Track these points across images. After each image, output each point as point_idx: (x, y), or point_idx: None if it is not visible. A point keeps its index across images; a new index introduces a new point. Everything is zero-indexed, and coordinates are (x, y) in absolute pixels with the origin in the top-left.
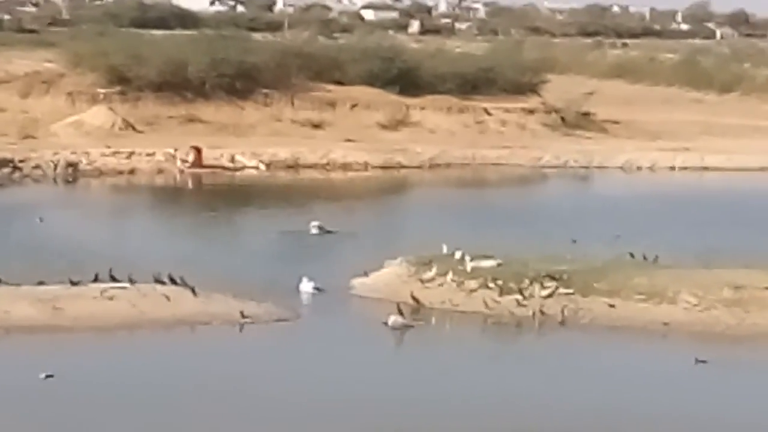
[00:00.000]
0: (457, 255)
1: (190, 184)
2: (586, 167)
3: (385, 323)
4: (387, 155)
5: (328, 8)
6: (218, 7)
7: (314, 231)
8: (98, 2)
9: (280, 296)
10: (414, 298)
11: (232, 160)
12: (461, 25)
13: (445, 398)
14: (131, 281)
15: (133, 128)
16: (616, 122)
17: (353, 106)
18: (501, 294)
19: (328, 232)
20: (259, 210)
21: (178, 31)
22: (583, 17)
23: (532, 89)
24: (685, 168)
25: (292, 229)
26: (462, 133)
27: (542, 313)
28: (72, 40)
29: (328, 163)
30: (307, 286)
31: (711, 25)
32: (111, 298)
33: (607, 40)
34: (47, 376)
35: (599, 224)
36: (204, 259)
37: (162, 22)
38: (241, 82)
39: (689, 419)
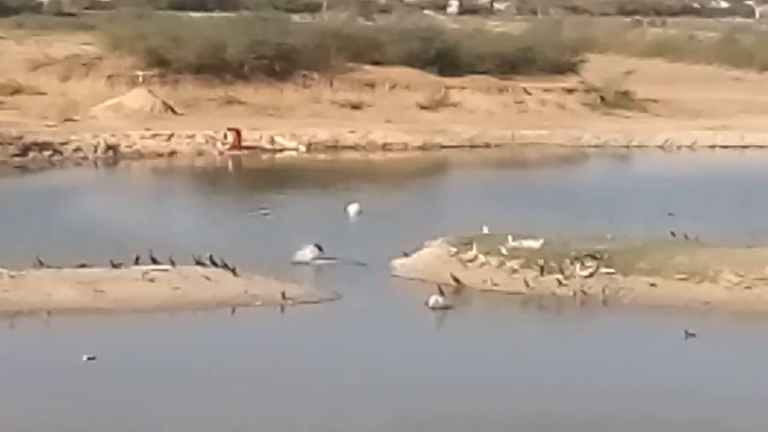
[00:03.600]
0: (498, 235)
1: (230, 166)
2: (626, 146)
3: (426, 304)
4: (426, 136)
5: None
6: None
7: (352, 212)
8: None
9: (320, 277)
10: (455, 279)
11: (272, 141)
12: (500, 5)
13: (487, 380)
14: (172, 263)
15: (173, 110)
16: (655, 101)
17: (392, 87)
18: (542, 274)
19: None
20: (299, 191)
21: (216, 13)
22: None
23: (571, 69)
24: (726, 146)
25: (331, 210)
26: (501, 113)
27: (583, 292)
28: (111, 23)
29: (367, 144)
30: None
31: (750, 2)
32: (152, 280)
33: (646, 19)
34: (89, 359)
35: (639, 204)
36: (244, 240)
37: (200, 4)
38: (280, 64)
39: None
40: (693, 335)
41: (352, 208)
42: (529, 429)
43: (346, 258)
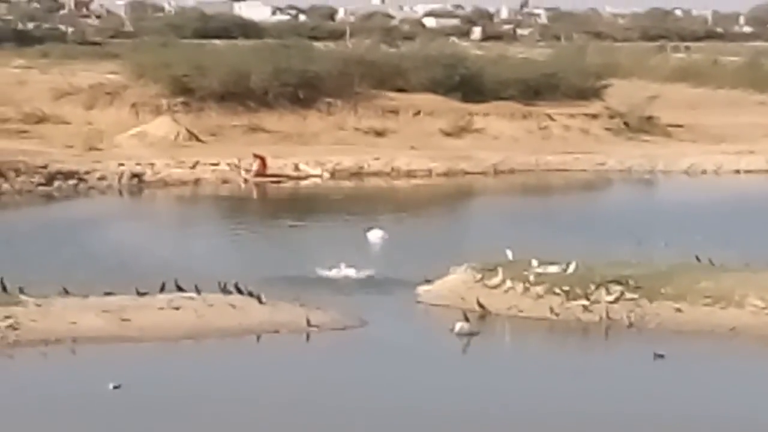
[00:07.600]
0: (523, 261)
1: (254, 194)
2: (651, 171)
3: (452, 330)
4: (451, 162)
5: (390, 16)
6: (280, 17)
7: (373, 238)
8: (160, 14)
9: (346, 304)
10: (480, 305)
11: (296, 168)
12: (523, 31)
13: (513, 406)
14: (197, 291)
15: (197, 138)
16: (679, 126)
17: (416, 113)
18: (567, 299)
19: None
20: (323, 218)
21: (240, 41)
22: (646, 21)
23: (595, 94)
24: (750, 171)
25: (356, 237)
26: (525, 139)
27: (609, 318)
28: (135, 51)
29: (392, 171)
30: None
31: None
32: (177, 308)
33: (669, 44)
34: (115, 387)
35: (664, 229)
36: (269, 267)
37: (224, 33)
38: (303, 91)
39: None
40: (662, 356)
41: (373, 234)
42: None
43: (377, 277)
